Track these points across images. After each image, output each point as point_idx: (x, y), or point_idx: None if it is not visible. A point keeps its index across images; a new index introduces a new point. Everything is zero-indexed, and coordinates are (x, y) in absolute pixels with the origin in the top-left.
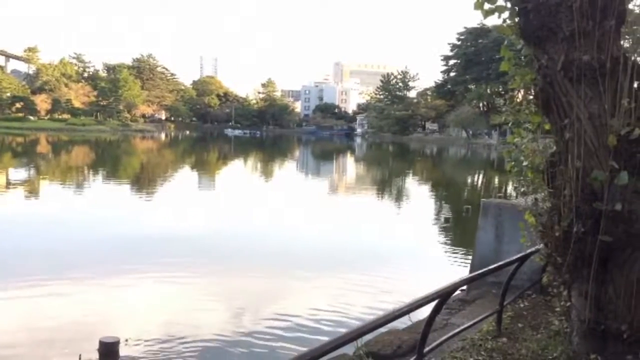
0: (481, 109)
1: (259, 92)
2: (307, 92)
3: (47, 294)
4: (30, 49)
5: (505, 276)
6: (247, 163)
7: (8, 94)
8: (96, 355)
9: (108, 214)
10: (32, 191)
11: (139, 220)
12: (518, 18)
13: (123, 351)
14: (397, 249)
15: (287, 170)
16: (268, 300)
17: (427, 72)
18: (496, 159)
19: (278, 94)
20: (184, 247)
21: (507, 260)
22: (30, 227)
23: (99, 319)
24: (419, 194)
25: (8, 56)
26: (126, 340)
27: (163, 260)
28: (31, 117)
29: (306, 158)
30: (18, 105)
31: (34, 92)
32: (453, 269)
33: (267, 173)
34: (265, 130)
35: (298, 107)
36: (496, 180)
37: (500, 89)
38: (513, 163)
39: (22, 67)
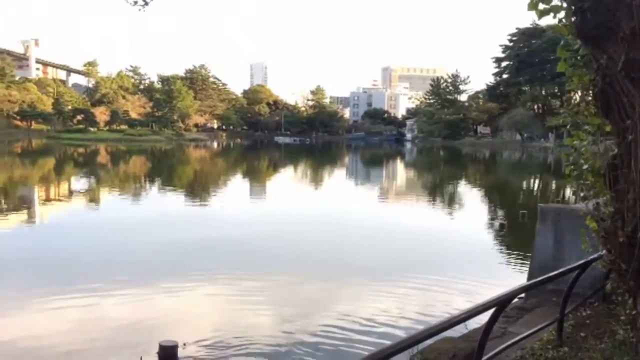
0: (536, 111)
1: (308, 100)
2: (355, 98)
3: (108, 298)
4: (89, 63)
5: (566, 284)
6: (298, 170)
7: (70, 107)
8: (156, 358)
9: (166, 220)
10: (93, 199)
11: (196, 226)
12: (575, 17)
13: (181, 355)
14: (451, 255)
15: (338, 176)
16: (323, 306)
17: (478, 75)
18: (553, 162)
19: (327, 100)
20: (240, 253)
21: (568, 267)
22: (92, 233)
23: (158, 322)
24: (473, 199)
25: (69, 70)
26: (184, 344)
27: (220, 265)
28: (91, 129)
29: (356, 164)
30: (79, 117)
31: (93, 105)
32: (510, 276)
33: (318, 179)
34: (314, 137)
35: (347, 113)
36: (553, 184)
37: (556, 90)
38: (572, 166)
39: (83, 80)
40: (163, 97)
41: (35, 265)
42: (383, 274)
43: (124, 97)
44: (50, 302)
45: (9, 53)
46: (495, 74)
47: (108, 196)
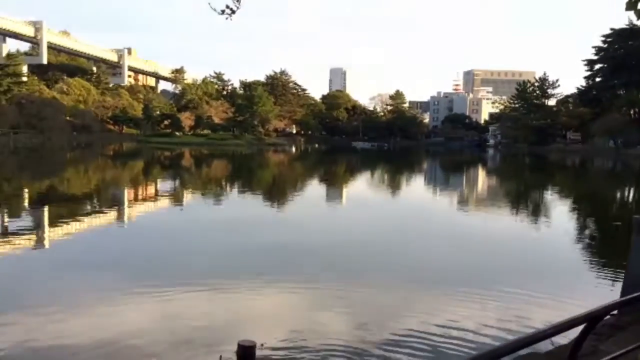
0: (632, 116)
1: (387, 105)
2: (435, 103)
3: (188, 295)
4: (177, 71)
5: None
6: (375, 175)
7: (158, 112)
8: (234, 356)
9: (246, 222)
10: (178, 200)
11: (275, 229)
12: None
13: (259, 355)
14: (535, 267)
15: (416, 183)
16: (398, 313)
17: (568, 79)
18: None
19: (406, 105)
20: (319, 257)
21: None
22: (175, 233)
23: (236, 321)
24: (561, 209)
25: (158, 77)
26: (262, 345)
27: (298, 268)
28: (177, 133)
29: (435, 171)
30: (166, 122)
31: (179, 110)
32: (600, 291)
33: (395, 185)
34: (392, 142)
35: (426, 118)
36: None
37: None
38: None
39: (170, 86)
40: (245, 102)
41: (119, 262)
42: (462, 283)
43: (207, 103)
44: (131, 298)
45: (104, 61)
46: (587, 77)
47: (192, 197)
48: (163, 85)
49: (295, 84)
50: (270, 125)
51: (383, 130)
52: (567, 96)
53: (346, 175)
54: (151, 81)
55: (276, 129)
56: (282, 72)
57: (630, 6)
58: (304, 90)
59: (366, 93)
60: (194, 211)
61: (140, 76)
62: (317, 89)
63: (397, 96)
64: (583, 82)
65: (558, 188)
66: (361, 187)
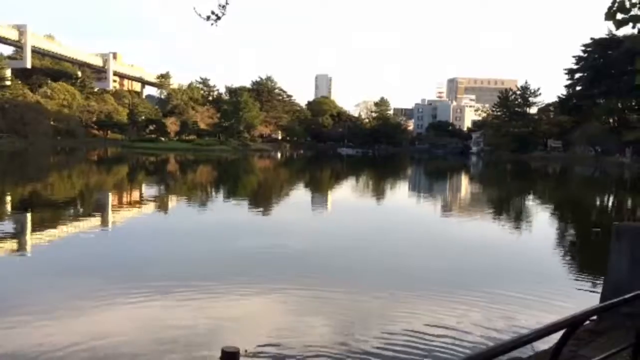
0: (611, 124)
1: (372, 111)
2: (420, 110)
3: (170, 302)
4: (162, 76)
5: None
6: (359, 181)
7: (143, 117)
8: None
9: (229, 228)
10: (161, 205)
11: (259, 235)
12: None
13: None
14: (516, 273)
15: (399, 189)
16: (382, 318)
17: (549, 87)
18: (630, 178)
19: (391, 112)
20: (303, 262)
21: None
22: (158, 238)
23: (219, 327)
24: (541, 216)
25: (144, 82)
26: (245, 351)
27: (282, 274)
28: (162, 138)
29: (418, 177)
30: (151, 127)
31: (165, 115)
32: (579, 297)
33: (379, 191)
34: (377, 149)
35: (411, 125)
36: (629, 202)
37: (634, 103)
38: None
39: (155, 91)
40: (230, 108)
41: (102, 267)
42: (444, 288)
43: (193, 108)
44: (112, 304)
45: (89, 66)
46: (568, 86)
47: (175, 203)
48: (148, 91)
49: (281, 90)
50: (255, 131)
51: (368, 137)
52: (548, 104)
53: (332, 181)
54: (136, 86)
55: (262, 134)
56: (268, 78)
57: (609, 16)
58: (289, 96)
59: (351, 100)
60: (176, 217)
61: (125, 81)
62: (302, 95)
63: (382, 103)
64: (564, 91)
65: (539, 195)
66: (346, 193)
